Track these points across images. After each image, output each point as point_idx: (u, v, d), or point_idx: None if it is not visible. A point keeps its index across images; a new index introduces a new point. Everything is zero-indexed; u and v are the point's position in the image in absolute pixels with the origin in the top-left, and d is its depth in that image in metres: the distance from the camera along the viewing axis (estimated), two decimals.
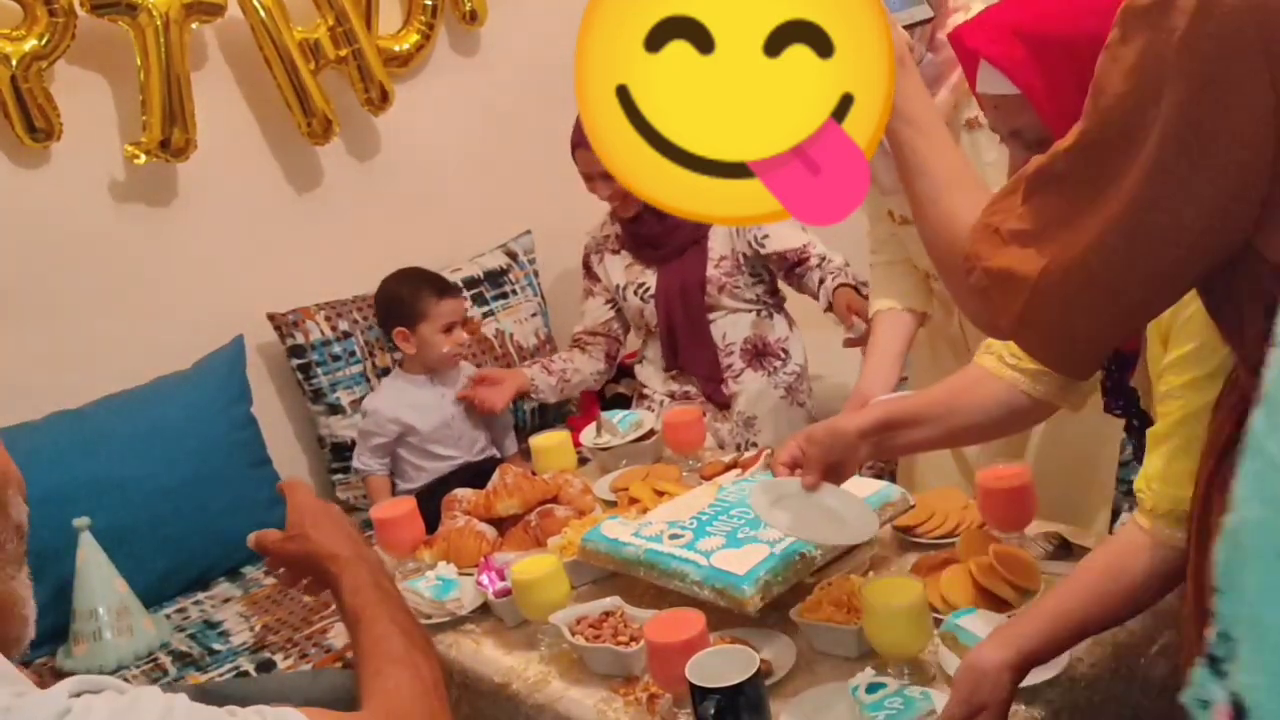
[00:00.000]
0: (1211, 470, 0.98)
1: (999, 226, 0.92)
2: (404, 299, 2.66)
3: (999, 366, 1.44)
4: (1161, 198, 0.80)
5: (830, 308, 2.44)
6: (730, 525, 1.58)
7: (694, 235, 2.55)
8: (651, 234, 2.58)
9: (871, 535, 1.51)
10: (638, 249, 2.64)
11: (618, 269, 2.68)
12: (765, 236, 2.53)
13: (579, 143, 2.55)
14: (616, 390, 3.02)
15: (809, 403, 2.66)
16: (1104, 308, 0.87)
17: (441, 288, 2.67)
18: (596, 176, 2.53)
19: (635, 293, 2.63)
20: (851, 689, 1.31)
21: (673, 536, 1.58)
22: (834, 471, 1.43)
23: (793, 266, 2.53)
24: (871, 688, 1.30)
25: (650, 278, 2.62)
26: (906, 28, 1.25)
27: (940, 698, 1.28)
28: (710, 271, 2.54)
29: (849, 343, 2.26)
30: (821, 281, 2.47)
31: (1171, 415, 1.16)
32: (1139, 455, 1.44)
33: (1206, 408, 1.10)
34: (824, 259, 2.50)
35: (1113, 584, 1.18)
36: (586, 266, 2.77)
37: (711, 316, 2.57)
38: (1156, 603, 1.22)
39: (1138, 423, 1.42)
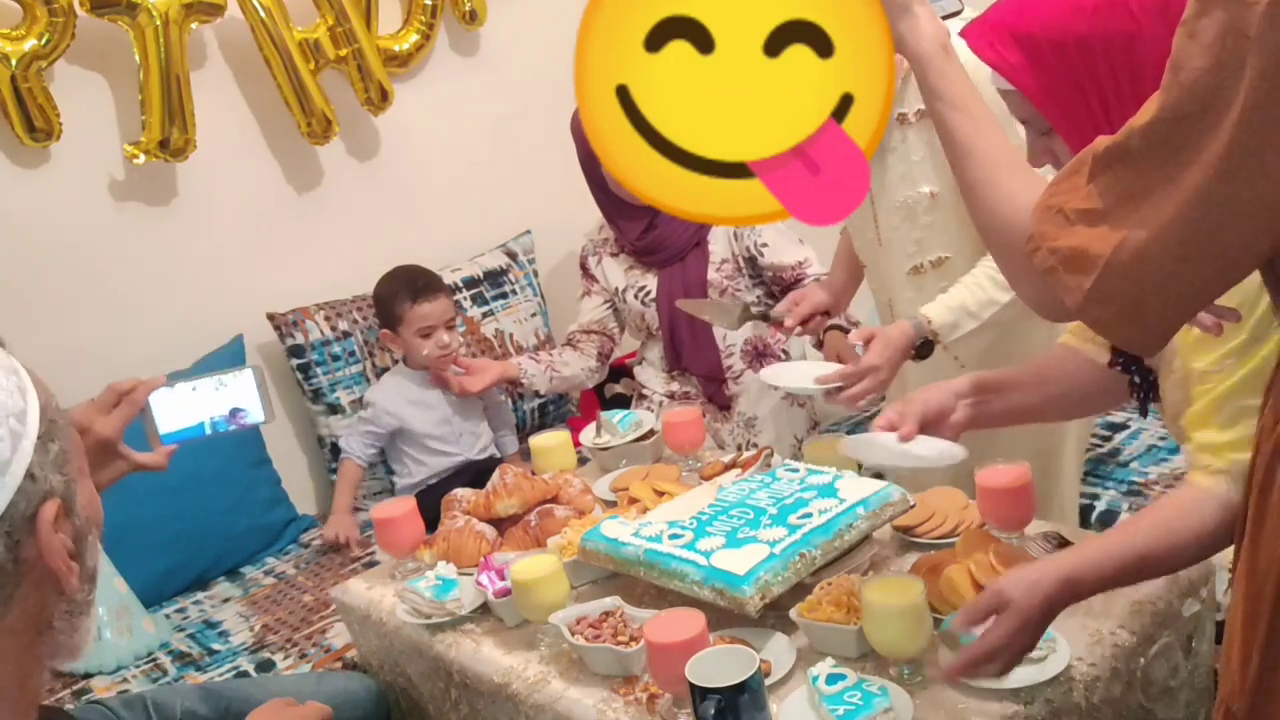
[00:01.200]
0: (1272, 450, 0.97)
1: (1063, 207, 0.92)
2: (383, 301, 2.67)
3: (1081, 342, 1.49)
4: (1243, 170, 0.80)
5: (820, 345, 2.44)
6: (730, 525, 1.58)
7: (695, 238, 2.55)
8: (653, 239, 2.58)
9: (960, 458, 1.51)
10: (638, 253, 2.63)
11: (617, 272, 2.68)
12: (764, 245, 2.53)
13: None
14: (616, 390, 3.02)
15: (809, 403, 2.66)
16: (1177, 283, 0.87)
17: (418, 290, 2.63)
18: None
19: (636, 296, 2.63)
20: (812, 678, 1.32)
21: (673, 536, 1.58)
22: (930, 432, 1.49)
23: (788, 285, 2.53)
24: (831, 678, 1.31)
25: (651, 281, 2.61)
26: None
27: (898, 693, 1.28)
28: (711, 275, 2.54)
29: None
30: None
31: (1214, 390, 1.17)
32: (1143, 410, 1.50)
33: (1248, 377, 1.12)
34: (819, 280, 2.51)
35: (1173, 525, 1.19)
36: (584, 267, 2.76)
37: None
38: (1203, 559, 1.22)
39: (1139, 380, 1.46)
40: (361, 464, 2.70)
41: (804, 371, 1.88)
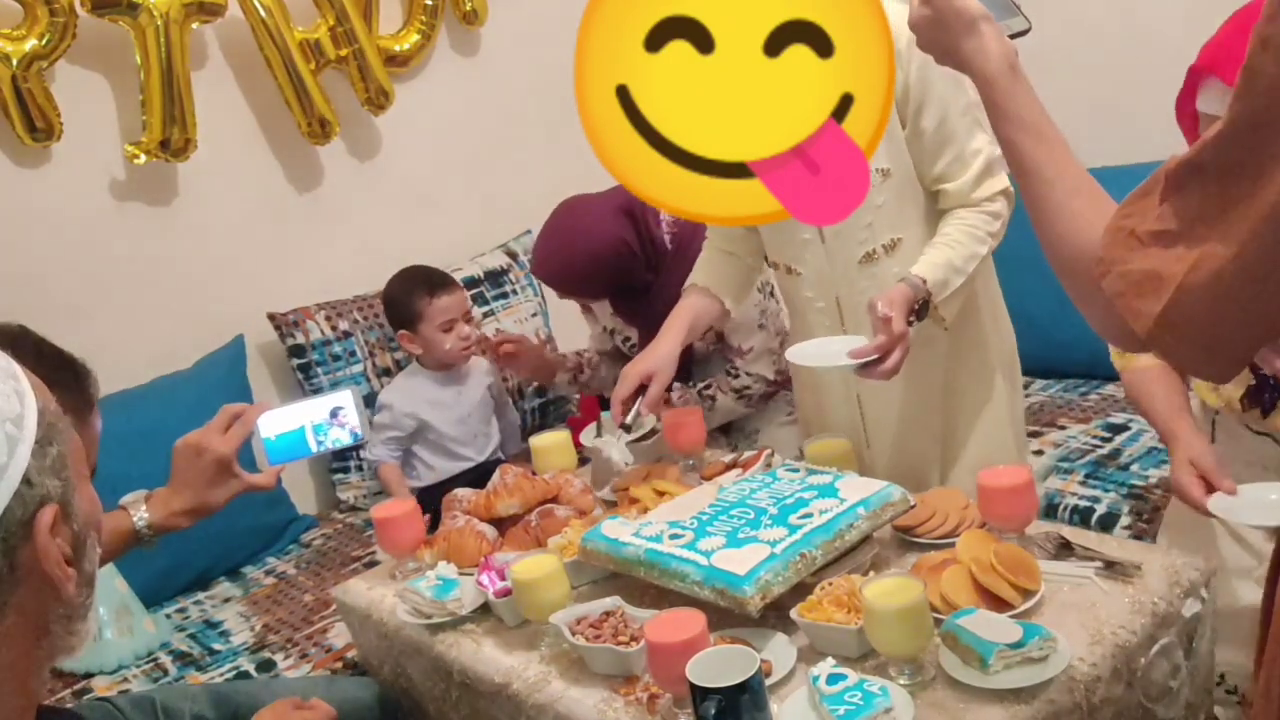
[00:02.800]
0: None
1: (1135, 229, 0.88)
2: (399, 302, 2.65)
3: None
4: None
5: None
6: (731, 525, 1.58)
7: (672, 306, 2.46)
8: (633, 310, 2.51)
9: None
10: (620, 313, 2.57)
11: (604, 311, 2.61)
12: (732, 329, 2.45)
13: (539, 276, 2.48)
14: None
15: None
16: (1256, 306, 0.82)
17: (434, 285, 2.63)
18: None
19: (622, 343, 2.61)
20: (812, 678, 1.32)
21: (673, 536, 1.58)
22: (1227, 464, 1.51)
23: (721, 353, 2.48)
24: (832, 678, 1.31)
25: (634, 334, 2.56)
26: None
27: (898, 693, 1.28)
28: (697, 344, 2.44)
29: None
30: (707, 385, 2.45)
31: None
32: (1265, 410, 1.49)
33: None
34: (734, 369, 2.45)
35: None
36: None
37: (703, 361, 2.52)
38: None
39: (1273, 382, 1.44)
40: (396, 463, 2.68)
41: (831, 349, 1.77)
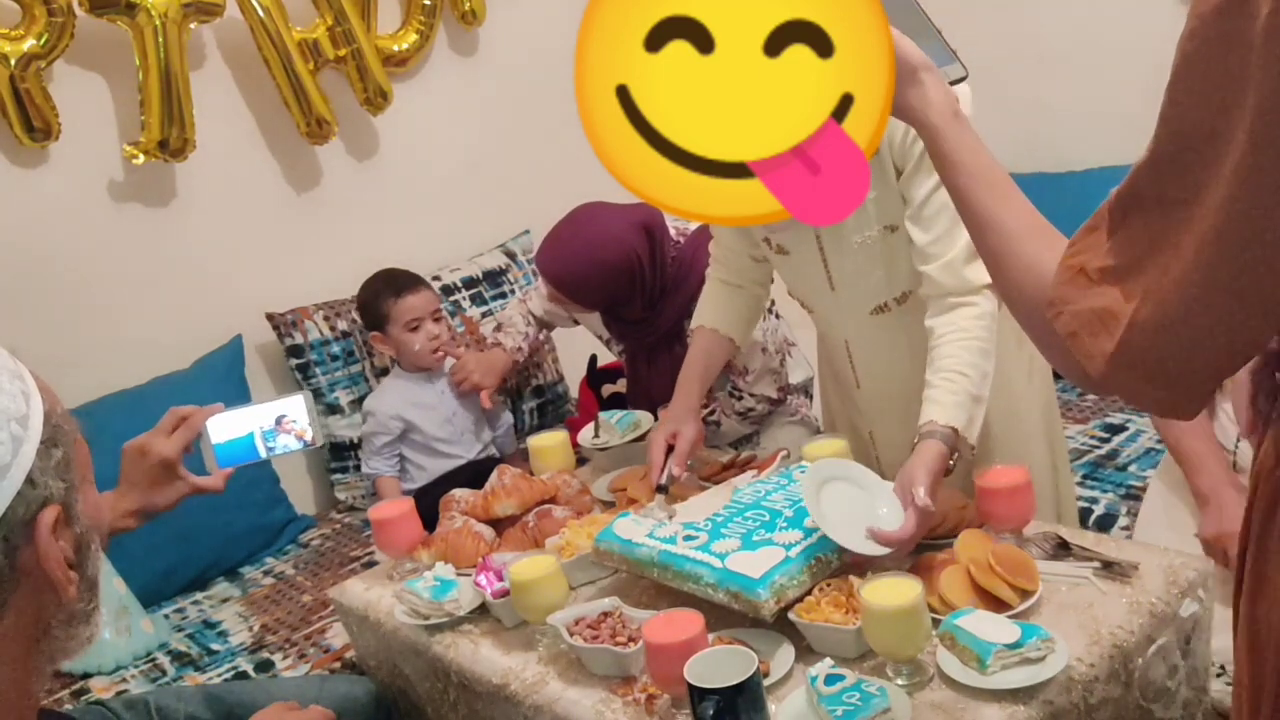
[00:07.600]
0: (1272, 494, 0.89)
1: (1084, 266, 0.85)
2: (368, 305, 2.67)
3: None
4: (1260, 201, 0.72)
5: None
6: (745, 527, 1.57)
7: (667, 336, 2.43)
8: (622, 332, 2.51)
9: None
10: (609, 327, 2.55)
11: (594, 321, 2.60)
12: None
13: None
14: (614, 390, 3.02)
15: (810, 414, 2.60)
16: (1207, 338, 0.78)
17: (399, 286, 2.64)
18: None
19: (618, 354, 2.60)
20: (810, 679, 1.32)
21: (687, 538, 1.57)
22: None
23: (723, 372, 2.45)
24: (830, 679, 1.31)
25: (626, 344, 2.55)
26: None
27: (896, 693, 1.28)
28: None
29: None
30: (710, 411, 2.42)
31: None
32: None
33: None
34: (738, 391, 2.43)
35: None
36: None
37: None
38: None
39: None
40: (393, 475, 2.68)
41: (847, 512, 1.56)
